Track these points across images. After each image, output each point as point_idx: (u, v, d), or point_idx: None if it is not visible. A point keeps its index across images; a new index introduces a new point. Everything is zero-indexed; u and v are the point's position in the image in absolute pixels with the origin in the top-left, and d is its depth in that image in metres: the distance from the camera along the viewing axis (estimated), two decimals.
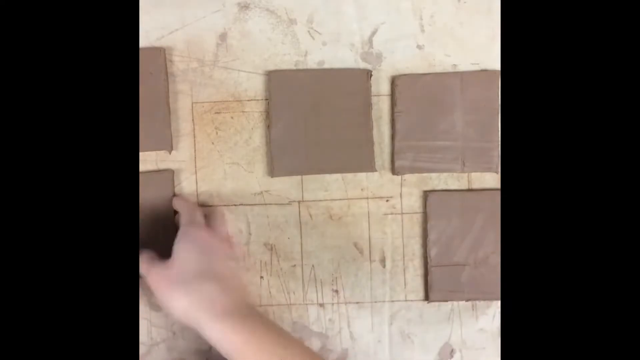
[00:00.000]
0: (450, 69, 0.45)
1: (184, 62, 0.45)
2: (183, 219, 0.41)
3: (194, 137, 0.45)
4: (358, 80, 0.44)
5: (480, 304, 0.46)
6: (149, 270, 0.39)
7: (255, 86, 0.45)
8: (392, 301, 0.46)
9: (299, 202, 0.46)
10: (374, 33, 0.45)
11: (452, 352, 0.46)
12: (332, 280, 0.46)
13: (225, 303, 0.37)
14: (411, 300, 0.46)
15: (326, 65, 0.45)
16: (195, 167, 0.45)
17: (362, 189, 0.46)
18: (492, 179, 0.45)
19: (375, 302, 0.46)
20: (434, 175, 0.45)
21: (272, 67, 0.45)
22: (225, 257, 0.41)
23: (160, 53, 0.44)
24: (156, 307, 0.45)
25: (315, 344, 0.46)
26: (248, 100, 0.45)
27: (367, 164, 0.44)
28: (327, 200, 0.46)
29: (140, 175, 0.44)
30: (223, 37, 0.45)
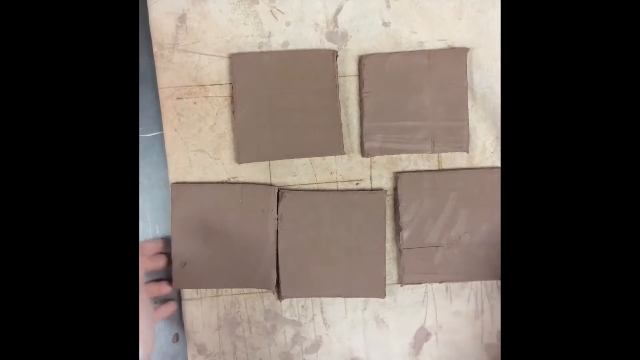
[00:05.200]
0: (416, 47, 0.44)
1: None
2: None
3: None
4: (324, 61, 0.43)
5: (454, 286, 0.45)
6: None
7: (218, 70, 0.44)
8: None
9: None
10: (338, 11, 0.44)
11: (427, 335, 0.45)
12: None
13: None
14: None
15: (290, 47, 0.44)
16: None
17: (331, 173, 0.44)
18: (462, 159, 0.44)
19: None
20: (403, 156, 0.44)
21: (234, 50, 0.44)
22: None
23: None
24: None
25: (288, 332, 0.45)
26: (211, 85, 0.44)
27: (335, 147, 0.43)
28: (295, 185, 0.44)
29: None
30: (182, 18, 0.43)
